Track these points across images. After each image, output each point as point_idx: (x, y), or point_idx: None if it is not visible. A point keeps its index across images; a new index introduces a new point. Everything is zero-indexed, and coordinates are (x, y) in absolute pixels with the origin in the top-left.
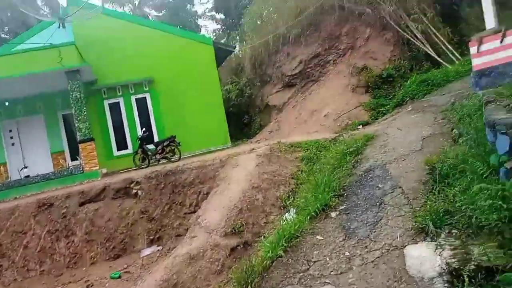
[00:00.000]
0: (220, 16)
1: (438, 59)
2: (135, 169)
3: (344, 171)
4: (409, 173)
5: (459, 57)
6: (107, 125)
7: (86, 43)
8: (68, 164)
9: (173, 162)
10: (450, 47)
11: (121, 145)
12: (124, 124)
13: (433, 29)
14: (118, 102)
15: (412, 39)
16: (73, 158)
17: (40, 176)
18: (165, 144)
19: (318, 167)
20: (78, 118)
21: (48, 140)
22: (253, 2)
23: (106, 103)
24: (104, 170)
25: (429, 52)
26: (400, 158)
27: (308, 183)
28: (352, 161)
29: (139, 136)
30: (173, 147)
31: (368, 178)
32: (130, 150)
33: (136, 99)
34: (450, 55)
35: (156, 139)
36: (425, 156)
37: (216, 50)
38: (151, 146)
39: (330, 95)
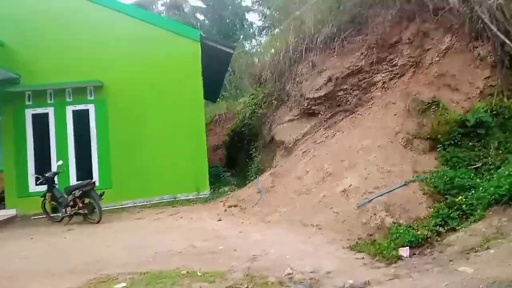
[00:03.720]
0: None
1: None
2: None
3: None
4: None
5: None
6: (26, 147)
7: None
8: None
9: (91, 222)
10: None
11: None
12: (51, 147)
13: None
14: (47, 114)
15: None
16: None
17: None
18: (76, 194)
19: None
20: None
21: None
22: None
23: (28, 113)
24: (13, 211)
25: None
26: None
27: None
28: None
29: (47, 175)
30: (88, 201)
31: None
32: (57, 182)
33: (74, 111)
34: None
35: (95, 174)
36: None
37: (210, 50)
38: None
39: (365, 146)
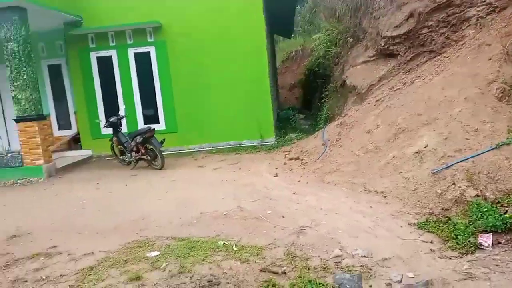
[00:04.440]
0: None
1: None
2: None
3: None
4: None
5: None
6: (94, 89)
7: None
8: (7, 149)
9: (155, 168)
10: None
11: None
12: (117, 90)
13: None
14: (110, 57)
15: None
16: (62, 127)
17: None
18: (138, 140)
19: None
20: (15, 84)
21: None
22: None
23: (93, 56)
24: (89, 152)
25: None
26: None
27: None
28: None
29: (111, 120)
30: (150, 147)
31: None
32: (124, 128)
33: (135, 53)
34: None
35: (161, 117)
36: None
37: None
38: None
39: (448, 97)
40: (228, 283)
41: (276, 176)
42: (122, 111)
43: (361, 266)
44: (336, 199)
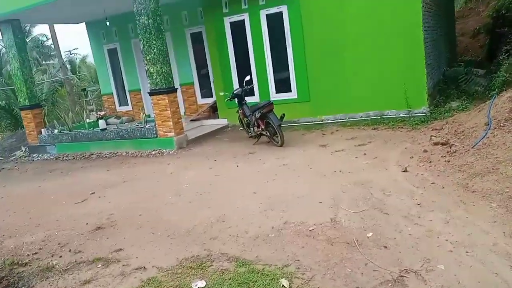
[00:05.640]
0: None
1: None
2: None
3: None
4: None
5: None
6: (228, 57)
7: None
8: (145, 119)
9: (275, 145)
10: None
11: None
12: (250, 56)
13: None
14: (243, 21)
15: None
16: (204, 95)
17: (114, 132)
18: (256, 115)
19: None
20: (147, 58)
21: (177, 68)
22: None
23: (226, 21)
24: (224, 121)
25: None
26: None
27: None
28: None
29: (235, 91)
30: (269, 122)
31: None
32: (256, 97)
33: (267, 15)
34: None
35: (293, 85)
36: None
37: None
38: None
39: None
40: None
41: (405, 171)
42: (245, 82)
43: None
44: (475, 224)
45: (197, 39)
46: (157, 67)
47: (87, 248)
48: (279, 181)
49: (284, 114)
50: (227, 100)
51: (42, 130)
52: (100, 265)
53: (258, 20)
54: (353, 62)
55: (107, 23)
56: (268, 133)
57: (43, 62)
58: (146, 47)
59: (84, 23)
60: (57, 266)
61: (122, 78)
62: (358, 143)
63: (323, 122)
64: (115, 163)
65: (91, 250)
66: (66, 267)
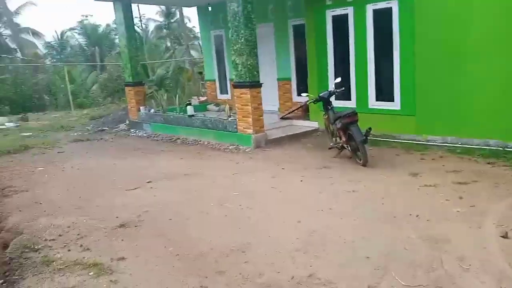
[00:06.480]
0: None
1: None
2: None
3: None
4: None
5: None
6: (326, 54)
7: None
8: (227, 112)
9: (358, 163)
10: None
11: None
12: (350, 54)
13: None
14: (346, 15)
15: None
16: (300, 92)
17: (200, 120)
18: (337, 125)
19: None
20: (234, 48)
21: (276, 61)
22: None
23: (328, 14)
24: (315, 124)
25: None
26: None
27: None
28: None
29: (321, 94)
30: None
31: None
32: (352, 102)
33: (374, 10)
34: None
35: (397, 93)
36: None
37: None
38: None
39: None
40: None
41: (505, 237)
42: (335, 84)
43: None
44: None
45: (299, 31)
46: (243, 59)
47: (97, 247)
48: (335, 212)
49: (370, 129)
50: (310, 102)
51: (141, 107)
52: (92, 273)
53: (363, 16)
54: (475, 74)
55: (209, 8)
56: (350, 148)
57: (182, 43)
58: (234, 36)
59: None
60: (56, 263)
61: (225, 66)
62: (458, 180)
63: (428, 143)
64: (192, 152)
65: (98, 250)
66: (63, 265)
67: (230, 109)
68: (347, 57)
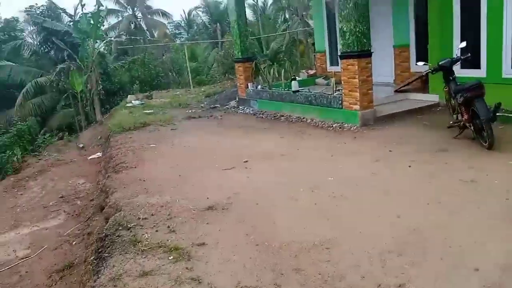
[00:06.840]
0: None
1: None
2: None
3: None
4: None
5: None
6: (452, 13)
7: None
8: (333, 86)
9: (483, 145)
10: None
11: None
12: (481, 13)
13: None
14: None
15: None
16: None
17: (303, 96)
18: (458, 99)
19: None
20: (342, 14)
21: (392, 25)
22: None
23: None
24: (435, 98)
25: None
26: None
27: None
28: None
29: (441, 63)
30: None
31: None
32: (482, 72)
33: None
34: None
35: None
36: None
37: None
38: None
39: None
40: None
41: None
42: (460, 49)
43: None
44: None
45: None
46: (351, 25)
47: (182, 230)
48: (445, 207)
49: (499, 104)
50: (427, 72)
51: (249, 84)
52: (171, 257)
53: None
54: None
55: None
56: (473, 127)
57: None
58: (342, 0)
59: None
60: (142, 244)
61: (336, 34)
62: None
63: None
64: (293, 130)
65: (182, 233)
66: (147, 247)
67: (340, 82)
68: (477, 16)
